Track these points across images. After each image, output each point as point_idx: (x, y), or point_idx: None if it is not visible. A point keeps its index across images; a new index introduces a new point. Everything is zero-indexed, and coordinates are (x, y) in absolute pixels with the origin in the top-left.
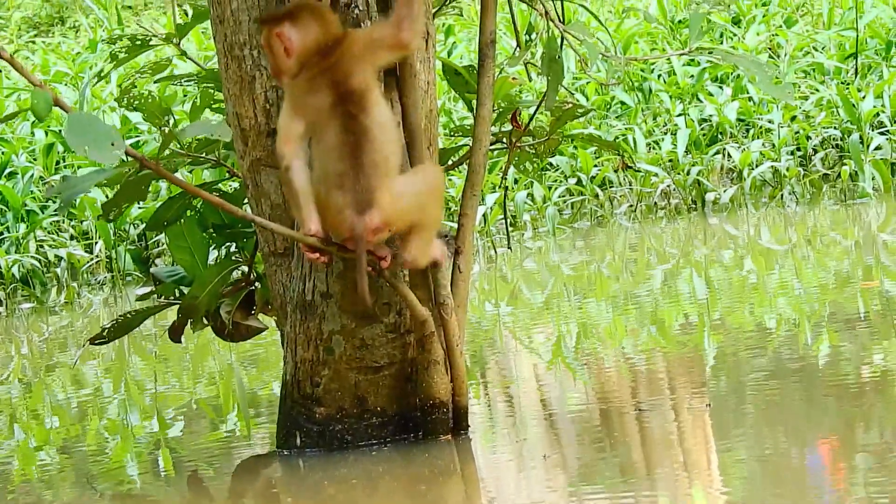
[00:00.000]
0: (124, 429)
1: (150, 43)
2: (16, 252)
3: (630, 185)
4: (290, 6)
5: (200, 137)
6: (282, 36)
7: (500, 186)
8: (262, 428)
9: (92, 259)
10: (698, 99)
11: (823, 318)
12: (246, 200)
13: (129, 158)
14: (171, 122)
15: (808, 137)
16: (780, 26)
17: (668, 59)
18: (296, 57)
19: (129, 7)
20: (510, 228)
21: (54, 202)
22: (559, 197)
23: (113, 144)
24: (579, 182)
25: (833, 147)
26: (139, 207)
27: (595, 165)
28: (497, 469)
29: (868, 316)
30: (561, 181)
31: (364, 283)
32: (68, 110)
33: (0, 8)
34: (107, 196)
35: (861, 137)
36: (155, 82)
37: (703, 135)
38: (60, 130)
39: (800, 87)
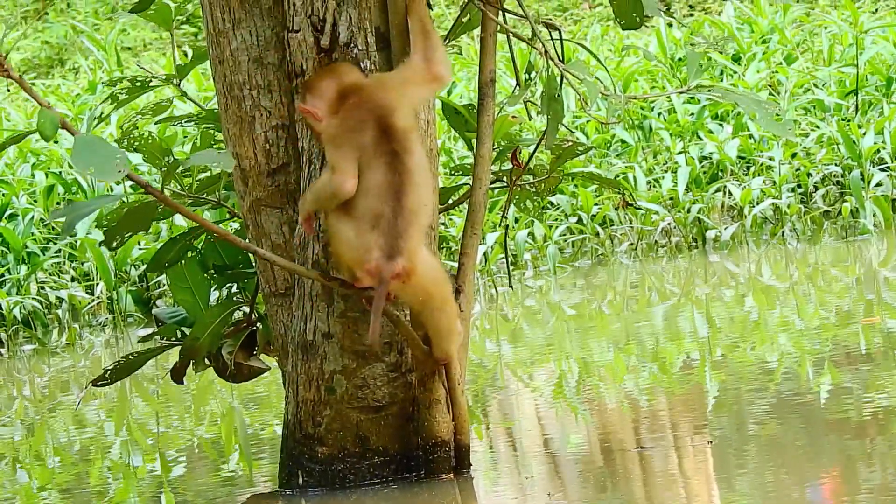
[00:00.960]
0: (126, 470)
1: (150, 84)
2: (17, 294)
3: (631, 223)
4: (308, 79)
5: (202, 178)
6: (306, 111)
7: (500, 225)
8: (264, 468)
9: (93, 300)
10: (698, 137)
11: (825, 355)
12: (246, 240)
13: (131, 195)
14: (172, 162)
15: (809, 174)
16: (781, 63)
17: (668, 97)
18: (327, 116)
19: (129, 48)
20: (511, 267)
21: (55, 243)
22: (560, 235)
23: (118, 163)
24: (580, 220)
25: (834, 184)
26: (140, 248)
27: (596, 204)
28: None
29: (869, 352)
30: (561, 220)
31: (377, 325)
32: (74, 133)
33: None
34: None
35: (862, 174)
36: (155, 123)
37: (704, 172)
38: (60, 172)
39: (800, 124)
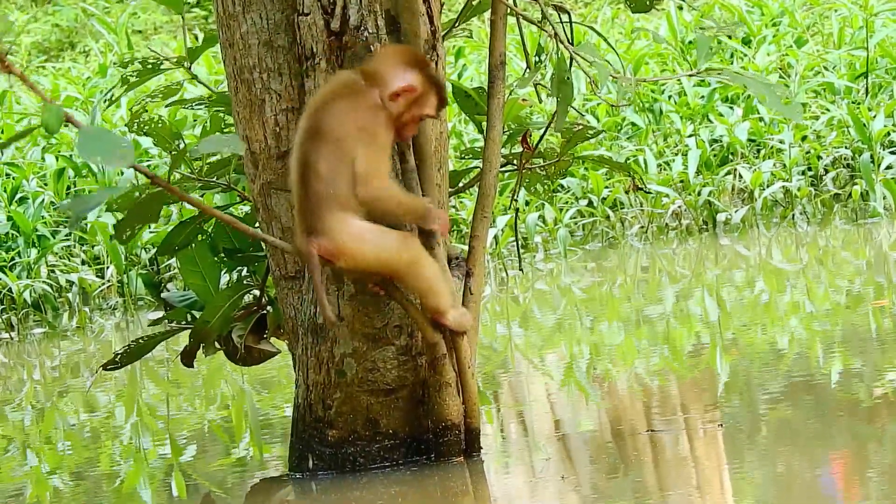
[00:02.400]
0: (137, 453)
1: (161, 67)
2: (27, 277)
3: (641, 206)
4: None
5: (211, 162)
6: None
7: (510, 208)
8: (274, 451)
9: (103, 284)
10: (709, 119)
11: (835, 338)
12: (257, 224)
13: (140, 180)
14: (182, 146)
15: (819, 157)
16: (791, 46)
17: (679, 80)
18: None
19: (139, 32)
20: (521, 250)
21: (65, 227)
22: (570, 218)
23: (125, 155)
24: (590, 203)
25: (844, 167)
26: (150, 232)
27: (606, 187)
28: (509, 491)
29: (880, 335)
30: (572, 203)
31: (324, 303)
32: (79, 125)
33: (10, 33)
34: (118, 221)
35: (872, 157)
36: (166, 106)
37: (714, 155)
38: (71, 155)
39: (810, 106)
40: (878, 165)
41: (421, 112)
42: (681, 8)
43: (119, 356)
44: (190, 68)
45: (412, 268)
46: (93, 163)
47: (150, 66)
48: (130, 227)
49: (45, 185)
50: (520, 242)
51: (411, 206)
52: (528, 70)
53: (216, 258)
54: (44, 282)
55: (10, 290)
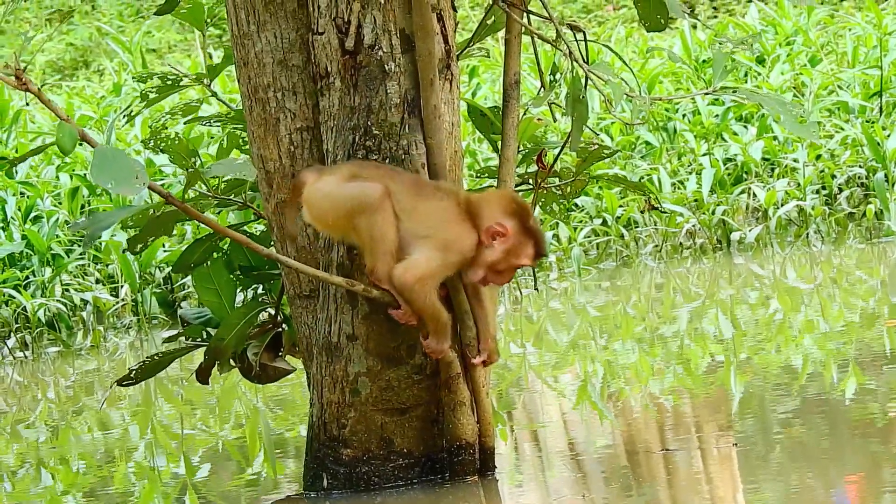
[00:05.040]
0: (151, 472)
1: (181, 83)
2: (41, 296)
3: (655, 225)
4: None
5: (227, 179)
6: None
7: None
8: (288, 470)
9: (118, 302)
10: (723, 138)
11: (849, 357)
12: (272, 243)
13: (155, 198)
14: (198, 164)
15: (834, 176)
16: (805, 65)
17: (693, 98)
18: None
19: (153, 50)
20: (536, 269)
21: (80, 245)
22: (585, 237)
23: (137, 178)
24: (605, 222)
25: (858, 186)
26: (165, 250)
27: (620, 206)
28: None
29: (894, 354)
30: (586, 222)
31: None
32: (94, 144)
33: (24, 52)
34: (132, 235)
35: (886, 176)
36: (183, 123)
37: (728, 174)
38: (85, 174)
39: (824, 125)
40: (893, 184)
41: (517, 262)
42: (695, 27)
43: (134, 371)
44: (210, 85)
45: (360, 220)
46: (106, 187)
47: (169, 83)
48: (144, 241)
49: (60, 203)
50: None
51: (434, 316)
52: (542, 89)
53: (231, 276)
54: (58, 300)
55: (24, 308)
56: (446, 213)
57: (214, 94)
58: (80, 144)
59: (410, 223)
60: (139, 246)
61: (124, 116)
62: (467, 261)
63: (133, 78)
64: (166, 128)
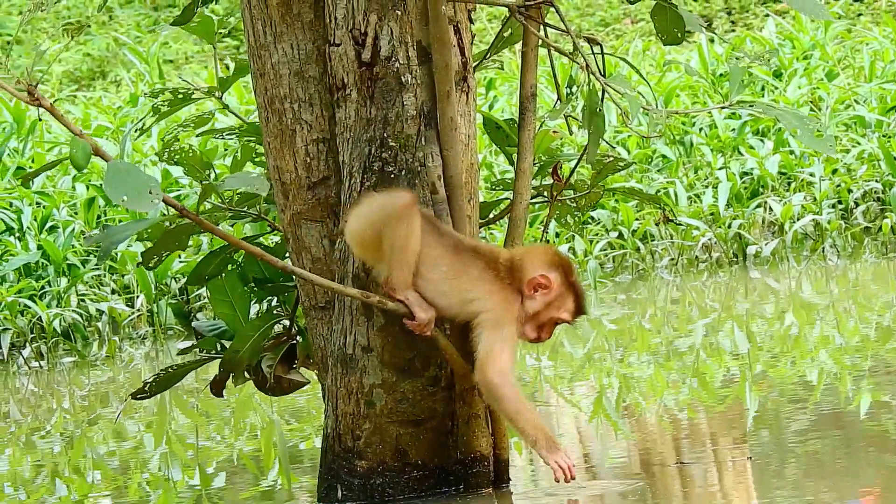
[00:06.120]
0: (166, 483)
1: (192, 96)
2: (57, 306)
3: (671, 238)
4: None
5: (241, 191)
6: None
7: (541, 240)
8: (303, 481)
9: (133, 313)
10: (739, 152)
11: (865, 371)
12: (287, 254)
13: (170, 210)
14: (213, 175)
15: (850, 190)
16: (822, 79)
17: (710, 112)
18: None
19: (170, 61)
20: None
21: (95, 255)
22: (600, 250)
23: (151, 193)
24: (620, 236)
25: (875, 200)
26: (180, 261)
27: (636, 219)
28: None
29: None
30: (602, 235)
31: None
32: (108, 159)
33: (41, 62)
34: (146, 248)
35: None
36: (197, 136)
37: (745, 188)
38: (101, 184)
39: (841, 140)
40: None
41: (557, 315)
42: (712, 41)
43: (148, 385)
44: (221, 98)
45: (386, 229)
46: (119, 203)
47: (181, 96)
48: (158, 255)
49: (76, 214)
50: None
51: (533, 425)
52: (559, 102)
53: (246, 288)
54: (73, 311)
55: (40, 318)
56: (486, 279)
57: (226, 107)
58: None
59: (457, 292)
60: (153, 261)
61: (137, 130)
62: (519, 322)
63: (143, 95)
64: (178, 140)
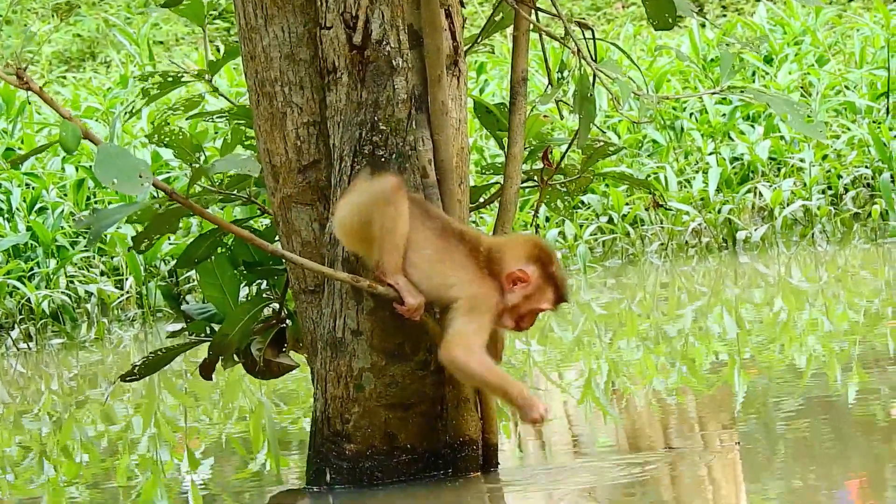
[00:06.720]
0: (154, 465)
1: (182, 79)
2: (46, 287)
3: (661, 223)
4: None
5: (232, 174)
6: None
7: (531, 224)
8: (292, 464)
9: (122, 295)
10: (730, 137)
11: (853, 357)
12: (277, 238)
13: (160, 193)
14: (203, 158)
15: (840, 176)
16: (812, 65)
17: (700, 97)
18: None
19: (161, 43)
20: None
21: (84, 238)
22: (590, 235)
23: (141, 177)
24: (610, 220)
25: (864, 186)
26: (170, 244)
27: (626, 204)
28: None
29: None
30: (592, 219)
31: None
32: (98, 143)
33: (31, 43)
34: (137, 232)
35: (892, 176)
36: (186, 119)
37: (735, 173)
38: (91, 166)
39: (831, 125)
40: None
41: (537, 306)
42: (703, 26)
43: (137, 368)
44: (211, 81)
45: (374, 214)
46: (110, 187)
47: (170, 79)
48: (149, 238)
49: (65, 195)
50: None
51: (502, 387)
52: (550, 86)
53: (235, 271)
54: (62, 292)
55: (28, 300)
56: (467, 266)
57: (216, 90)
58: (90, 127)
59: (437, 276)
60: (143, 245)
61: (126, 113)
62: (498, 312)
63: (133, 77)
64: (167, 123)
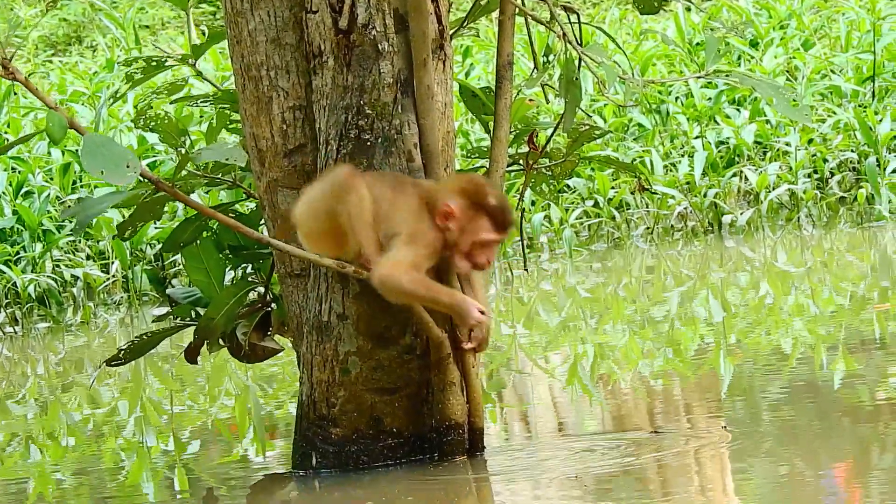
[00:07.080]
0: (140, 449)
1: (166, 64)
2: (32, 271)
3: (647, 207)
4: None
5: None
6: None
7: (517, 208)
8: (277, 448)
9: (108, 279)
10: (715, 121)
11: (839, 341)
12: (262, 221)
13: (145, 180)
14: (188, 142)
15: (825, 160)
16: (798, 49)
17: (686, 81)
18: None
19: (147, 27)
20: (527, 250)
21: (70, 223)
22: (576, 219)
23: (128, 166)
24: (596, 204)
25: (850, 170)
26: (156, 227)
27: (612, 187)
28: (513, 490)
29: (883, 338)
30: (578, 203)
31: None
32: (83, 132)
33: (17, 27)
34: (123, 216)
35: (878, 160)
36: (171, 103)
37: (721, 157)
38: (77, 150)
39: (817, 109)
40: (884, 169)
41: (475, 238)
42: (689, 9)
43: (123, 352)
44: (195, 65)
45: (338, 206)
46: (97, 176)
47: (154, 64)
48: (132, 226)
49: (51, 179)
50: (525, 242)
51: (434, 298)
52: (535, 70)
53: (221, 255)
54: (48, 276)
55: (14, 284)
56: (411, 207)
57: (199, 74)
58: (77, 112)
59: (386, 223)
60: (128, 232)
61: (111, 98)
62: (440, 251)
63: (118, 63)
64: (151, 107)
